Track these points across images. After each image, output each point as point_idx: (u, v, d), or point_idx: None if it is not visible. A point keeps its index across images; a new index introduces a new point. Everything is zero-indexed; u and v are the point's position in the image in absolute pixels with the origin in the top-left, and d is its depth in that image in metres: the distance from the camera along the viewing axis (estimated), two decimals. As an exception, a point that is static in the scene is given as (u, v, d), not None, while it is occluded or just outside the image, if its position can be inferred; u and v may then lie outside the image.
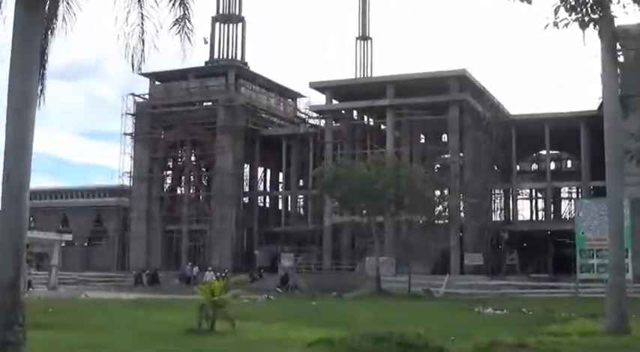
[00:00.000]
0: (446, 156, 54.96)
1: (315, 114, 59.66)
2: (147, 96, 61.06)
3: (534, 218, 65.58)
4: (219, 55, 61.42)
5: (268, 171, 66.08)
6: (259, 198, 63.36)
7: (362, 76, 68.90)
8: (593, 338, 15.00)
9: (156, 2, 11.26)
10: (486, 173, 53.85)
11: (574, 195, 62.60)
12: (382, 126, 54.79)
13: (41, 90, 11.68)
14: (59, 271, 40.75)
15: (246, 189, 60.63)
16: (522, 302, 28.36)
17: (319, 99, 57.18)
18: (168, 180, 62.64)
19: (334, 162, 50.05)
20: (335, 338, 12.91)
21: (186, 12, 11.55)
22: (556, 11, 14.71)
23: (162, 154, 59.91)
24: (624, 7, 15.14)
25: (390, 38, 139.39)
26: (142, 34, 11.23)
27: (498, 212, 59.74)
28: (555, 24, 14.91)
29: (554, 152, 61.95)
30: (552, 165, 62.73)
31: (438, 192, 49.29)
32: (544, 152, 58.57)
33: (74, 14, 11.55)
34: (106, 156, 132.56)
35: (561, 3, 14.68)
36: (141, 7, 11.23)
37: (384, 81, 53.10)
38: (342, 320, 19.39)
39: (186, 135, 58.38)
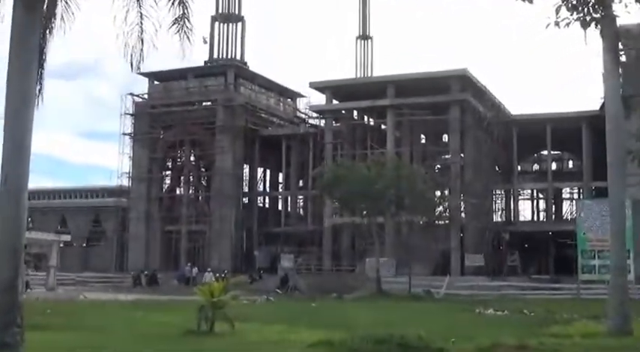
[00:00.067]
0: (447, 156, 54.94)
1: (315, 114, 59.67)
2: (146, 96, 61.04)
3: (536, 218, 65.57)
4: (218, 55, 61.41)
5: (268, 172, 66.06)
6: (259, 198, 63.35)
7: (362, 75, 68.86)
8: (595, 339, 15.00)
9: (155, 1, 11.26)
10: (487, 173, 53.84)
11: (575, 196, 62.62)
12: (382, 127, 54.79)
13: (39, 90, 11.68)
14: (57, 272, 40.64)
15: (246, 189, 60.61)
16: (523, 304, 28.38)
17: (319, 99, 57.26)
18: (168, 181, 62.62)
19: (334, 162, 50.04)
20: (335, 340, 12.91)
21: (186, 11, 11.55)
22: (557, 10, 14.72)
23: (161, 154, 59.88)
24: (626, 6, 15.17)
25: (390, 38, 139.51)
26: (141, 34, 11.23)
27: (499, 212, 59.75)
28: (557, 23, 14.92)
29: (555, 152, 61.96)
30: (554, 166, 62.73)
31: (438, 193, 49.29)
32: (545, 152, 58.58)
33: (73, 13, 11.56)
34: (104, 156, 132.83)
35: (563, 2, 14.69)
36: (140, 6, 11.22)
37: (385, 81, 53.10)
38: (342, 321, 19.39)
39: (185, 135, 58.36)
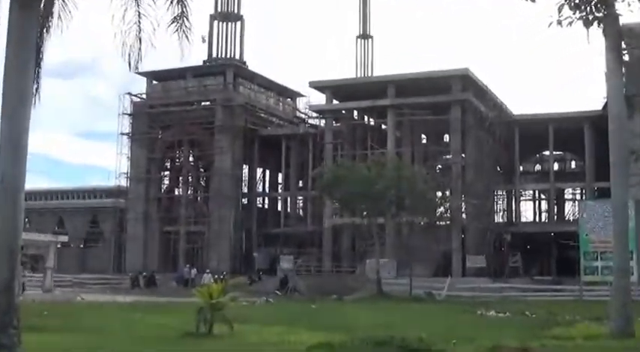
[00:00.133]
0: (448, 156, 54.94)
1: (314, 114, 59.68)
2: (144, 96, 61.07)
3: (537, 219, 65.58)
4: (217, 54, 61.39)
5: (267, 172, 66.06)
6: (258, 199, 63.36)
7: (362, 75, 68.90)
8: (597, 341, 14.99)
9: (153, 0, 11.25)
10: (489, 174, 53.82)
11: (578, 197, 62.65)
12: (383, 127, 54.79)
13: (36, 89, 11.66)
14: (54, 273, 40.63)
15: (245, 190, 60.61)
16: (525, 305, 28.38)
17: (319, 98, 57.27)
18: (166, 181, 62.63)
19: (334, 162, 50.05)
20: (335, 342, 12.89)
21: (184, 10, 11.54)
22: (560, 9, 14.71)
23: (159, 155, 59.87)
24: (629, 5, 15.16)
25: (390, 37, 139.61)
26: (139, 33, 11.21)
27: (501, 213, 59.73)
28: (559, 22, 14.90)
29: (557, 152, 61.94)
30: (556, 166, 62.75)
31: (439, 193, 49.26)
32: (547, 152, 58.60)
33: (70, 12, 11.55)
34: (102, 156, 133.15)
35: (565, 1, 14.67)
36: (138, 4, 11.21)
37: (385, 80, 53.10)
38: (342, 323, 19.38)
39: (183, 135, 58.37)
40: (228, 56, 61.18)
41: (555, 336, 15.80)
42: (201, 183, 61.91)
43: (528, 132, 53.62)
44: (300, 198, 63.12)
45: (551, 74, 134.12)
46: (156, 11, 11.19)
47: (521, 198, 61.37)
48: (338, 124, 55.87)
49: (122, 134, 58.86)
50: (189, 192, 61.03)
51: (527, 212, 65.16)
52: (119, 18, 11.04)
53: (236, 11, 61.96)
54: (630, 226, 19.41)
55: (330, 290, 39.37)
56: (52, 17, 11.57)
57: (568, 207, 65.81)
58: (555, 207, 60.21)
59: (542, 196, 65.72)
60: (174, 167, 62.10)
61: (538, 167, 68.95)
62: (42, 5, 11.04)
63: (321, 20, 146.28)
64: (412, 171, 42.90)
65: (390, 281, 41.51)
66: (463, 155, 52.08)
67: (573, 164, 67.56)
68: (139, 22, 11.19)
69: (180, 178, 61.28)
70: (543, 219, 64.43)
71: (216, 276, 41.63)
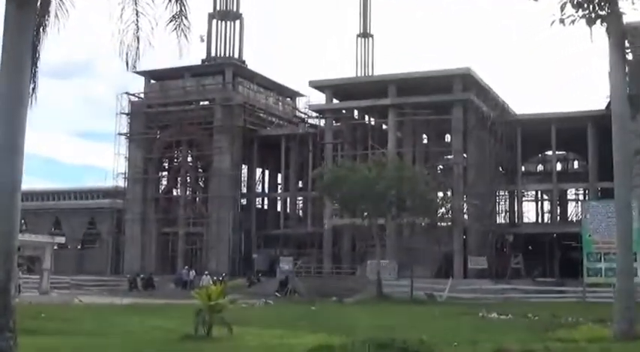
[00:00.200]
0: (449, 156, 54.92)
1: (314, 114, 59.67)
2: (142, 95, 61.07)
3: (540, 220, 65.55)
4: (216, 53, 61.39)
5: (267, 173, 66.05)
6: (257, 200, 63.34)
7: (363, 74, 68.91)
8: (601, 344, 14.97)
9: (151, -2, 11.23)
10: (491, 174, 53.82)
11: (581, 197, 62.62)
12: (384, 126, 54.76)
13: (33, 89, 11.66)
14: (51, 275, 40.58)
15: (244, 190, 60.59)
16: (528, 307, 28.38)
17: (319, 98, 57.26)
18: (164, 182, 62.63)
19: (334, 163, 50.06)
20: (335, 344, 12.88)
21: (183, 8, 11.53)
22: (562, 8, 14.73)
23: (157, 155, 59.84)
24: (633, 3, 15.17)
25: (391, 36, 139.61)
26: (137, 32, 11.20)
27: (503, 214, 59.68)
28: (562, 21, 14.92)
29: (560, 152, 61.96)
30: (558, 166, 62.73)
31: (440, 194, 49.25)
32: (550, 152, 58.58)
33: (67, 11, 11.53)
34: (99, 156, 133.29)
35: (568, -1, 14.69)
36: (136, 3, 11.19)
37: (386, 80, 53.08)
38: (342, 325, 19.37)
39: (182, 136, 58.36)
40: (227, 55, 61.18)
41: (558, 338, 15.80)
42: (200, 183, 61.88)
43: (531, 132, 53.63)
44: (299, 198, 63.10)
45: (552, 74, 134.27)
46: (154, 10, 11.18)
47: (524, 199, 61.37)
48: (338, 124, 55.86)
49: (120, 134, 58.89)
50: (187, 193, 61.01)
51: (529, 213, 65.26)
52: (117, 17, 11.05)
53: (235, 10, 61.97)
54: (634, 227, 19.34)
55: (330, 292, 39.38)
56: (49, 16, 11.55)
57: (571, 207, 65.85)
58: (558, 207, 60.23)
59: (545, 197, 65.70)
60: (173, 167, 62.10)
61: (540, 167, 68.95)
62: (38, 4, 11.03)
63: (321, 19, 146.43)
64: (413, 171, 42.92)
65: (390, 283, 41.53)
66: (465, 155, 52.07)
67: (576, 164, 67.56)
68: (137, 20, 11.18)
69: (179, 179, 61.29)
70: (546, 220, 64.40)
71: (215, 278, 41.64)
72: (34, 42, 11.22)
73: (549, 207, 63.19)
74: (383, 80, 53.53)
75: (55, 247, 43.65)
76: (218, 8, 61.48)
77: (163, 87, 60.58)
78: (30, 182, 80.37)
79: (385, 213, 42.33)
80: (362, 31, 71.37)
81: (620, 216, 17.25)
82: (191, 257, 57.14)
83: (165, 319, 21.15)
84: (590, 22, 15.07)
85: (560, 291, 39.72)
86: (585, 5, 15.01)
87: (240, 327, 16.41)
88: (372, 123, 56.87)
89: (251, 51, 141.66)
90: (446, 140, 57.57)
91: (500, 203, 59.82)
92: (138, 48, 11.23)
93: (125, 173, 58.78)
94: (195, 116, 58.12)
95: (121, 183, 59.23)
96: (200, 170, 61.61)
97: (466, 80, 50.66)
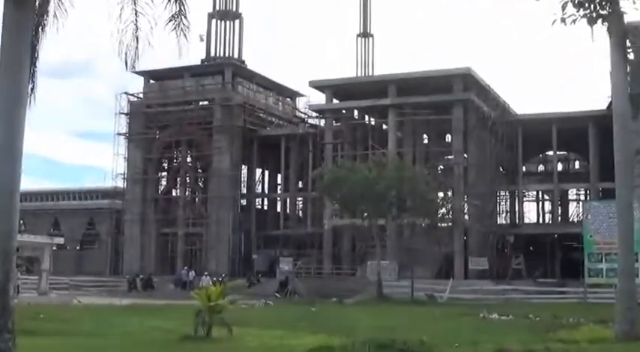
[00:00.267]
0: (449, 157, 54.92)
1: (314, 114, 59.66)
2: (141, 95, 61.06)
3: (541, 221, 65.53)
4: (215, 53, 61.38)
5: (266, 173, 66.04)
6: (257, 200, 63.32)
7: (363, 74, 68.92)
8: (602, 344, 14.99)
9: (150, -2, 11.23)
10: (491, 174, 53.81)
11: (582, 197, 62.60)
12: (384, 126, 54.75)
13: (32, 89, 11.66)
14: (50, 276, 40.58)
15: (244, 191, 60.58)
16: (529, 308, 28.36)
17: (319, 98, 57.26)
18: (163, 182, 62.61)
19: (334, 163, 50.06)
20: (335, 345, 12.89)
21: (182, 8, 11.53)
22: (564, 7, 14.74)
23: (156, 155, 59.84)
24: (634, 2, 15.17)
25: (391, 36, 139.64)
26: (136, 31, 11.20)
27: (504, 215, 59.68)
28: (563, 20, 14.93)
29: (561, 153, 61.94)
30: (560, 166, 62.72)
31: (441, 194, 49.25)
32: (551, 153, 58.56)
33: (66, 10, 11.53)
34: (98, 156, 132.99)
35: (569, -2, 14.70)
36: (135, 3, 11.19)
37: (386, 79, 53.08)
38: (342, 326, 19.37)
39: (181, 136, 58.36)
40: (227, 55, 61.17)
41: (559, 339, 15.80)
42: (199, 184, 61.87)
43: (531, 132, 53.62)
44: (299, 199, 63.09)
45: (553, 73, 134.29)
46: (153, 9, 11.18)
47: (525, 199, 61.32)
48: (338, 124, 55.85)
49: (119, 134, 58.87)
50: (187, 194, 61.01)
51: (530, 213, 65.21)
52: (116, 16, 11.04)
53: (234, 9, 61.98)
54: (635, 227, 19.32)
55: (331, 293, 39.38)
56: (48, 15, 11.56)
57: (572, 208, 65.82)
58: (559, 208, 60.24)
59: (546, 197, 65.67)
60: (172, 168, 62.09)
61: (541, 167, 68.92)
62: (37, 3, 11.03)
63: (321, 19, 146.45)
64: (413, 171, 42.91)
65: (391, 284, 41.52)
66: (465, 155, 52.06)
67: (577, 164, 67.55)
68: (136, 20, 11.18)
69: (178, 179, 61.28)
70: (547, 221, 64.38)
71: (214, 279, 41.66)
72: (33, 42, 11.23)
73: (550, 208, 63.18)
74: (383, 80, 53.53)
75: (54, 248, 43.68)
76: (217, 8, 61.47)
77: (163, 87, 60.58)
78: (29, 182, 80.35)
79: (385, 213, 42.33)
80: (362, 31, 71.38)
81: (621, 217, 17.25)
82: (190, 257, 57.13)
83: (165, 320, 21.15)
84: (592, 22, 15.08)
85: (562, 292, 39.70)
86: (586, 5, 15.01)
87: (240, 328, 16.41)
88: (372, 123, 56.86)
89: (251, 51, 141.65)
90: (446, 140, 57.57)
91: (501, 203, 59.82)
92: (137, 48, 11.24)
93: (124, 173, 58.78)
94: (194, 116, 58.12)
95: (120, 183, 59.30)
96: (199, 170, 61.61)
97: (466, 80, 50.66)
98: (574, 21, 15.02)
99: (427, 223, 44.22)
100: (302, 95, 63.65)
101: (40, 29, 11.64)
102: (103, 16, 11.01)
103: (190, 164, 61.31)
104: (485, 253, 48.37)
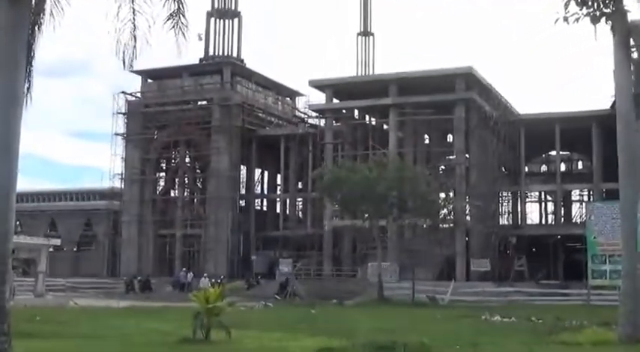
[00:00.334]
0: (451, 157, 54.93)
1: (314, 114, 59.62)
2: (139, 95, 61.05)
3: (544, 222, 65.55)
4: (214, 52, 61.35)
5: (266, 173, 66.03)
6: (256, 201, 63.30)
7: (363, 73, 68.95)
8: (605, 347, 14.99)
9: (148, -4, 11.23)
10: (493, 175, 53.82)
11: (585, 198, 62.60)
12: (385, 126, 54.74)
13: (28, 89, 11.67)
14: (47, 277, 40.56)
15: (243, 191, 60.56)
16: (531, 310, 28.36)
17: (319, 97, 57.25)
18: (161, 183, 62.60)
19: (334, 163, 50.04)
20: (336, 347, 12.90)
21: (181, 6, 11.54)
22: (566, 5, 14.73)
23: (154, 155, 59.84)
24: (638, 1, 15.16)
25: (392, 35, 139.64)
26: (134, 30, 11.22)
27: (506, 215, 59.72)
28: (565, 19, 14.93)
29: (564, 153, 61.90)
30: (563, 167, 62.71)
31: (442, 195, 49.26)
32: (554, 153, 58.56)
33: (62, 8, 11.55)
34: (96, 157, 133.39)
35: (572, -3, 14.70)
36: (132, 1, 11.21)
37: (387, 79, 53.07)
38: (342, 328, 19.36)
39: (180, 136, 58.34)
40: (226, 54, 61.14)
41: (562, 342, 15.80)
42: (198, 184, 61.88)
43: (534, 131, 53.61)
44: (299, 199, 63.08)
45: (555, 73, 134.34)
46: (151, 8, 11.20)
47: (527, 200, 61.33)
48: (338, 124, 55.84)
49: (116, 134, 58.83)
50: (185, 194, 61.01)
51: (533, 214, 65.24)
52: (113, 15, 11.06)
53: (233, 8, 61.96)
54: (639, 228, 19.34)
55: (331, 295, 39.38)
56: (44, 14, 11.57)
57: (575, 208, 65.78)
58: (562, 208, 60.21)
59: (549, 198, 65.68)
60: (170, 168, 62.07)
61: (544, 168, 68.92)
62: (33, 1, 11.03)
63: (320, 17, 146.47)
64: (415, 172, 42.88)
65: (391, 286, 41.51)
66: (467, 155, 52.02)
67: (580, 164, 67.53)
68: (134, 19, 11.19)
69: (176, 180, 61.26)
70: (550, 222, 64.39)
71: (213, 280, 41.66)
72: (29, 40, 11.24)
73: (553, 209, 63.23)
74: (384, 79, 53.52)
75: (51, 249, 43.70)
76: (216, 6, 61.49)
77: (161, 86, 60.58)
78: (25, 183, 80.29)
79: (386, 214, 42.32)
80: (362, 30, 71.39)
81: (625, 218, 17.24)
82: (189, 259, 57.11)
83: (163, 322, 21.15)
84: (595, 20, 15.09)
85: (565, 294, 39.69)
86: (590, 3, 15.02)
87: (239, 330, 16.41)
88: (373, 123, 56.84)
89: (250, 50, 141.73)
90: (448, 140, 57.59)
91: (503, 204, 59.86)
92: (135, 47, 11.26)
93: (122, 174, 58.75)
94: (193, 116, 58.10)
95: (118, 184, 59.26)
96: (198, 171, 61.60)
97: (468, 79, 50.64)
98: (577, 20, 15.03)
99: (428, 224, 44.24)
100: (302, 95, 63.69)
101: (36, 28, 11.65)
102: (100, 15, 11.00)
103: (189, 164, 61.30)
104: (487, 254, 48.35)
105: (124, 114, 59.27)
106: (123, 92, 60.20)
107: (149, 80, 60.98)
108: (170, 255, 58.02)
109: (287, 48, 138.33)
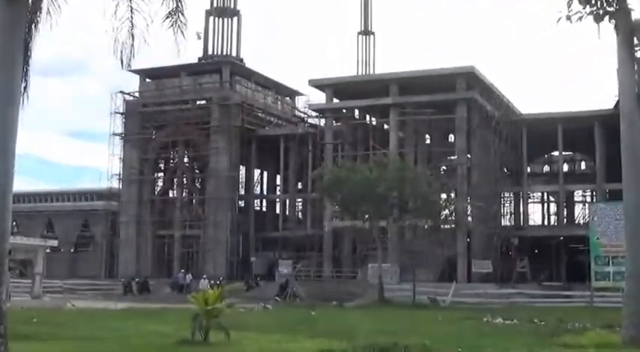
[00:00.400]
0: (452, 157, 54.93)
1: (314, 114, 59.63)
2: (137, 94, 61.04)
3: (546, 223, 65.55)
4: (213, 51, 61.34)
5: (265, 173, 66.04)
6: (256, 201, 63.32)
7: (364, 73, 68.94)
8: (609, 350, 14.97)
9: (146, -6, 11.22)
10: (495, 175, 53.84)
11: (588, 199, 62.62)
12: (385, 126, 54.77)
13: (24, 88, 11.66)
14: (44, 279, 40.65)
15: (242, 192, 60.59)
16: (534, 312, 28.36)
17: (319, 97, 57.28)
18: (160, 183, 62.60)
19: (334, 163, 50.03)
20: (336, 349, 12.89)
21: (179, 4, 11.53)
22: (569, 4, 14.72)
23: (153, 155, 59.84)
24: (642, -1, 15.14)
25: (393, 34, 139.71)
26: (132, 29, 11.20)
27: (508, 216, 59.76)
28: (568, 17, 14.91)
29: (567, 153, 61.94)
30: (565, 167, 62.65)
31: (444, 196, 49.25)
32: (556, 153, 58.57)
33: (59, 7, 11.53)
34: (93, 157, 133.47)
35: (575, -5, 14.68)
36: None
37: (387, 78, 53.06)
38: (343, 330, 19.34)
39: (178, 136, 58.34)
40: (225, 53, 61.13)
41: (565, 344, 15.77)
42: (197, 185, 61.87)
43: (536, 131, 53.61)
44: (299, 200, 63.09)
45: (557, 72, 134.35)
46: (149, 6, 11.19)
47: (529, 201, 61.33)
48: (338, 124, 55.85)
49: (114, 134, 58.91)
50: (183, 195, 61.03)
51: (535, 215, 65.18)
52: (111, 13, 11.04)
53: (232, 6, 61.99)
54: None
55: (331, 296, 39.37)
56: (41, 12, 11.56)
57: (578, 209, 65.84)
58: (565, 209, 60.19)
59: (551, 198, 65.66)
60: (169, 168, 62.06)
61: (547, 168, 68.91)
62: (30, 0, 11.03)
63: (321, 16, 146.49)
64: (415, 172, 42.88)
65: (392, 287, 41.50)
66: (468, 156, 52.03)
67: (583, 165, 67.54)
68: (132, 17, 11.17)
69: (175, 180, 61.25)
70: (552, 222, 64.39)
71: (212, 282, 41.65)
72: (26, 39, 11.23)
73: (556, 209, 63.22)
74: (384, 79, 53.52)
75: (48, 250, 43.76)
76: (215, 5, 61.51)
77: (159, 85, 60.55)
78: (22, 183, 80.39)
79: (387, 215, 42.32)
80: (363, 29, 71.39)
81: (628, 218, 17.21)
82: (187, 260, 57.12)
83: (161, 324, 21.14)
84: (598, 19, 15.07)
85: (567, 296, 39.68)
86: (593, 1, 15.00)
87: (238, 332, 16.39)
88: (374, 122, 56.86)
89: (249, 49, 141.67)
90: (449, 140, 57.59)
91: (505, 205, 59.89)
92: (133, 45, 11.25)
93: (120, 174, 58.76)
94: (191, 115, 58.11)
95: (116, 184, 59.29)
96: (197, 171, 61.61)
97: (469, 78, 50.63)
98: (580, 18, 15.01)
99: (429, 225, 44.23)
100: (301, 94, 63.70)
101: (33, 26, 11.64)
102: (98, 13, 11.00)
103: (187, 164, 61.32)
104: (489, 256, 48.36)
105: (121, 113, 59.28)
106: (121, 91, 60.34)
107: (147, 79, 60.96)
108: (169, 256, 58.03)
109: (287, 47, 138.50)
